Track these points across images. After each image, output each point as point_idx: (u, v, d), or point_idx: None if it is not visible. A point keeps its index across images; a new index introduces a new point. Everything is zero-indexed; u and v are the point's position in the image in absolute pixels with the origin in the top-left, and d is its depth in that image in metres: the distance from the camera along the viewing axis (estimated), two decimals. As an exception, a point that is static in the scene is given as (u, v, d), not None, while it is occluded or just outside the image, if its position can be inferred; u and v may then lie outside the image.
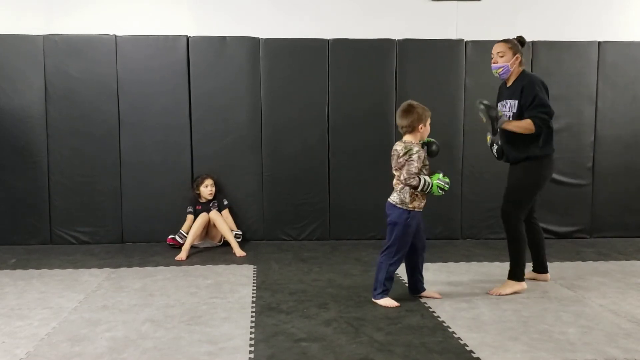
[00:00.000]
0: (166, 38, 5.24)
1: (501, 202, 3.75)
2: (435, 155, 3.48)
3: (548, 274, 3.95)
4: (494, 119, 3.57)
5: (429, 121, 3.40)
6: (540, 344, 2.81)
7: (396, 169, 3.40)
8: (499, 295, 3.61)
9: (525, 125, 3.56)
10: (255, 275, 4.16)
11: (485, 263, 4.50)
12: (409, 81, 5.34)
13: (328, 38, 5.33)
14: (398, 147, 3.38)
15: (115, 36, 5.21)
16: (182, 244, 4.85)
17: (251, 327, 3.06)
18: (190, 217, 5.06)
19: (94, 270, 4.30)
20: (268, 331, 2.99)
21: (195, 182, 5.17)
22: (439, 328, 3.04)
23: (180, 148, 5.29)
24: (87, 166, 5.24)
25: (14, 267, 4.43)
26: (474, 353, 2.70)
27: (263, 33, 5.34)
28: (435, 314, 3.25)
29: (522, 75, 3.70)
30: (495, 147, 3.73)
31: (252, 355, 2.68)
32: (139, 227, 5.29)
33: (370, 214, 5.42)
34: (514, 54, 3.66)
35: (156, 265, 4.45)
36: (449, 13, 5.63)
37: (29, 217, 5.23)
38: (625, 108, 5.51)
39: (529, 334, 2.95)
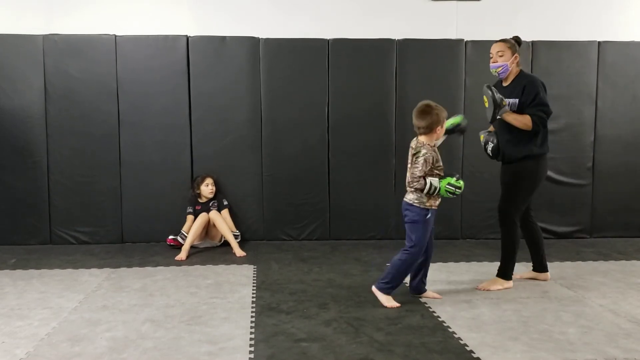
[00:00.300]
0: (166, 38, 5.24)
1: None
2: (464, 132, 3.63)
3: (548, 273, 3.96)
4: (498, 105, 3.56)
5: (445, 121, 3.38)
6: (540, 344, 2.81)
7: (409, 170, 3.38)
8: (487, 290, 3.70)
9: (523, 120, 3.58)
10: (255, 275, 4.15)
11: (485, 263, 4.50)
12: (409, 81, 5.34)
13: (328, 38, 5.33)
14: (412, 144, 3.37)
15: (115, 36, 5.21)
16: (183, 244, 4.85)
17: (251, 327, 3.06)
18: (190, 217, 5.06)
19: (94, 270, 4.29)
20: (268, 331, 2.99)
21: (195, 182, 5.16)
22: (439, 328, 3.04)
23: (180, 148, 5.29)
24: (87, 166, 5.23)
25: (13, 267, 4.43)
26: (474, 353, 2.70)
27: (263, 33, 5.34)
28: (435, 314, 3.25)
29: (522, 74, 3.73)
30: (490, 145, 3.73)
31: (252, 355, 2.68)
32: (138, 227, 5.29)
33: (370, 214, 5.42)
34: (513, 54, 3.69)
35: (156, 265, 4.45)
36: (449, 13, 5.63)
37: (28, 217, 5.22)
38: (625, 108, 5.52)
39: (529, 334, 2.95)
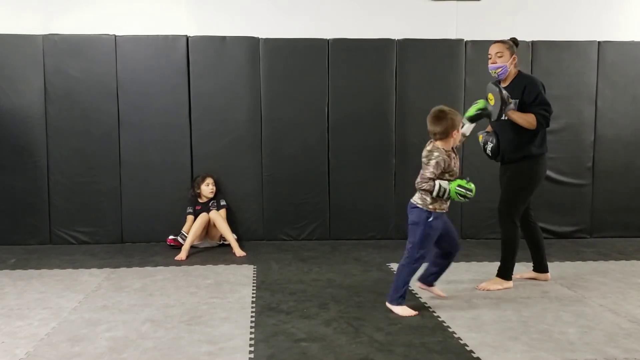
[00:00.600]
0: (166, 38, 5.24)
1: None
2: (490, 115, 3.60)
3: (548, 274, 3.96)
4: (505, 102, 3.56)
5: (460, 125, 3.32)
6: (540, 344, 2.81)
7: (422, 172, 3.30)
8: (487, 290, 3.71)
9: (527, 119, 3.59)
10: (255, 275, 4.15)
11: (486, 263, 4.50)
12: (409, 81, 5.34)
13: (328, 38, 5.33)
14: (427, 147, 3.29)
15: (115, 36, 5.21)
16: (183, 244, 4.84)
17: (251, 327, 3.06)
18: (190, 217, 5.05)
19: (94, 270, 4.29)
20: (268, 331, 2.99)
21: (196, 182, 5.16)
22: (439, 328, 3.03)
23: (180, 148, 5.29)
24: (87, 166, 5.23)
25: (13, 267, 4.43)
26: (474, 353, 2.70)
27: (263, 33, 5.34)
28: (435, 314, 3.25)
29: (520, 75, 3.75)
30: (489, 145, 3.73)
31: (252, 355, 2.68)
32: (138, 227, 5.29)
33: (370, 214, 5.42)
34: (511, 55, 3.70)
35: (156, 265, 4.45)
36: (449, 13, 5.63)
37: (28, 217, 5.22)
38: (625, 108, 5.52)
39: (529, 333, 2.95)
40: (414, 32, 5.45)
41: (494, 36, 5.43)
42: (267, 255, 4.83)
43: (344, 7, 5.56)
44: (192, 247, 4.88)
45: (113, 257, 4.76)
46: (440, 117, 3.22)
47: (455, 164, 3.27)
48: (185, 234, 4.94)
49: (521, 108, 3.63)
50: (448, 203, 3.30)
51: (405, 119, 5.37)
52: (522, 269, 4.17)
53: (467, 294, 3.62)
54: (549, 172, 5.46)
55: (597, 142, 5.52)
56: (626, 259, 4.66)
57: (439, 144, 3.25)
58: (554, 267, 4.32)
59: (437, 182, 3.19)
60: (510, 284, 3.78)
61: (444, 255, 3.41)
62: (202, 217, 4.91)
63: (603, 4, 5.73)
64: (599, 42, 5.46)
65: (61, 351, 2.74)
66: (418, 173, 5.22)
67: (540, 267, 3.95)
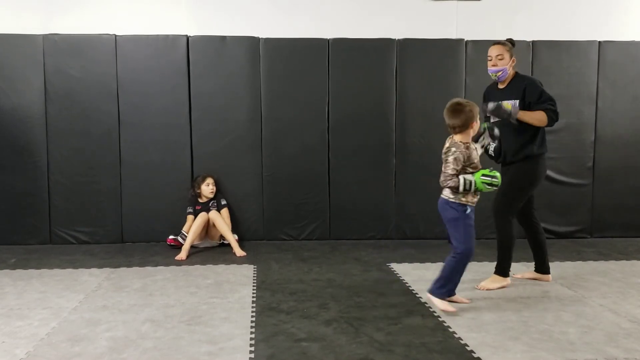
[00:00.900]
0: (166, 38, 5.24)
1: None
2: (498, 138, 3.60)
3: (550, 275, 3.95)
4: (507, 116, 3.60)
5: (478, 116, 3.31)
6: (540, 344, 2.81)
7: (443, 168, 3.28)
8: (487, 289, 3.71)
9: (538, 117, 3.62)
10: (255, 275, 4.15)
11: (486, 263, 4.49)
12: (409, 81, 5.34)
13: (328, 38, 5.33)
14: (447, 143, 3.29)
15: (115, 36, 5.21)
16: (183, 244, 4.84)
17: (251, 327, 3.06)
18: (190, 217, 5.05)
19: (94, 270, 4.29)
20: (268, 331, 2.99)
21: (196, 182, 5.16)
22: (439, 328, 3.03)
23: (180, 148, 5.28)
24: (87, 166, 5.23)
25: (13, 267, 4.43)
26: (475, 353, 2.70)
27: (263, 33, 5.34)
28: (435, 314, 3.25)
29: (518, 76, 3.78)
30: (492, 146, 3.73)
31: (252, 355, 2.68)
32: (138, 226, 5.29)
33: (370, 214, 5.42)
34: (511, 57, 3.73)
35: (156, 265, 4.45)
36: (449, 12, 5.63)
37: (28, 217, 5.22)
38: (625, 107, 5.52)
39: (529, 333, 2.95)
40: (414, 32, 5.45)
41: (494, 36, 5.43)
42: (267, 255, 4.83)
43: (344, 7, 5.56)
44: (192, 247, 4.88)
45: (113, 257, 4.75)
46: (458, 109, 3.22)
47: (477, 156, 3.28)
48: (186, 234, 4.94)
49: (524, 109, 3.65)
50: (478, 196, 3.29)
51: (406, 118, 5.37)
52: (523, 269, 4.17)
53: (467, 294, 3.61)
54: (549, 172, 5.47)
55: (598, 142, 5.52)
56: (626, 259, 4.66)
57: (457, 137, 3.24)
58: (554, 267, 4.31)
59: (461, 176, 3.18)
60: (508, 280, 3.80)
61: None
62: (202, 216, 4.91)
63: (603, 3, 5.73)
64: (599, 42, 5.46)
65: (61, 351, 2.74)
66: (418, 172, 5.22)
67: (543, 268, 3.95)
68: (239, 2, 5.49)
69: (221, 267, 4.38)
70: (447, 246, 4.98)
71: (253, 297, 3.60)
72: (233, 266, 4.42)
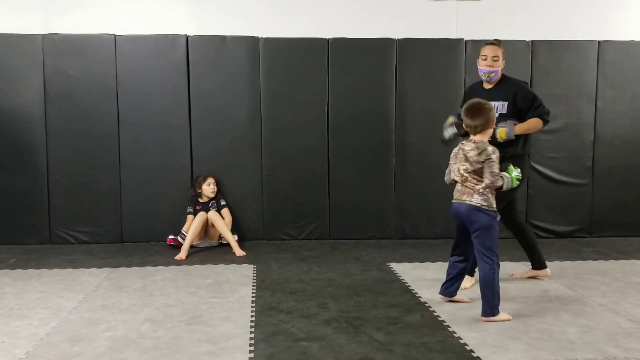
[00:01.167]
0: (165, 37, 5.24)
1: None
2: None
3: (548, 269, 3.98)
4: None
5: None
6: (540, 343, 2.81)
7: (470, 172, 3.15)
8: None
9: (534, 125, 3.68)
10: (255, 274, 4.15)
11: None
12: (409, 80, 5.34)
13: (328, 37, 5.33)
14: (467, 147, 3.17)
15: (115, 35, 5.20)
16: (182, 244, 4.84)
17: (251, 326, 3.06)
18: (190, 217, 5.05)
19: (94, 270, 4.29)
20: (268, 331, 2.99)
21: (197, 181, 5.16)
22: (439, 327, 3.03)
23: (180, 148, 5.28)
24: (87, 166, 5.23)
25: (13, 267, 4.42)
26: (474, 352, 2.70)
27: (263, 32, 5.34)
28: (435, 313, 3.25)
29: (506, 78, 3.80)
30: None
31: (252, 355, 2.68)
32: (138, 226, 5.28)
33: (370, 214, 5.42)
34: (503, 59, 3.75)
35: (156, 265, 4.44)
36: (449, 12, 5.63)
37: (28, 217, 5.22)
38: (624, 107, 5.52)
39: (529, 333, 2.95)
40: (414, 31, 5.44)
41: (494, 36, 5.43)
42: (267, 254, 4.83)
43: (344, 6, 5.56)
44: (191, 246, 4.88)
45: (113, 256, 4.75)
46: (479, 109, 3.18)
47: None
48: (185, 234, 4.94)
49: (514, 113, 3.69)
50: None
51: (405, 118, 5.37)
52: (524, 269, 4.17)
53: (467, 293, 3.61)
54: (549, 172, 5.49)
55: (597, 141, 5.52)
56: (626, 259, 4.66)
57: (478, 137, 3.19)
58: (554, 267, 4.31)
59: (502, 174, 3.15)
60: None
61: (463, 260, 3.36)
62: (201, 216, 4.91)
63: (603, 3, 5.72)
64: (598, 42, 5.46)
65: (61, 351, 2.74)
66: (418, 172, 5.22)
67: (539, 264, 3.96)
68: (238, 2, 5.49)
69: (221, 267, 4.38)
70: (446, 246, 4.98)
71: (253, 296, 3.60)
72: (233, 266, 4.42)
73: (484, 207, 3.14)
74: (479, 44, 5.29)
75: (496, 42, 3.77)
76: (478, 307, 3.36)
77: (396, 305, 3.40)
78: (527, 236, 3.91)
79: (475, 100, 3.26)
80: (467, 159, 3.16)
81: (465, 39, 5.41)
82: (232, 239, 4.90)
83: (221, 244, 5.12)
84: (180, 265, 4.45)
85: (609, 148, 5.51)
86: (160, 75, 5.22)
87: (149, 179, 5.27)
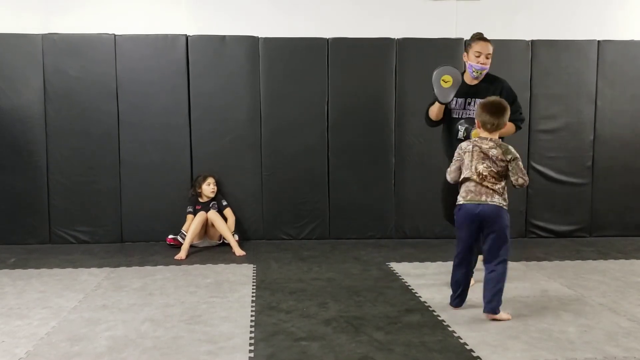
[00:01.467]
0: (165, 37, 5.24)
1: None
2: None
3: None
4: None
5: None
6: (540, 343, 2.81)
7: (490, 171, 3.10)
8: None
9: (509, 130, 3.64)
10: (254, 274, 4.15)
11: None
12: (409, 80, 5.34)
13: (327, 37, 5.33)
14: (486, 145, 3.12)
15: (115, 35, 5.20)
16: (182, 244, 4.84)
17: (251, 326, 3.06)
18: (190, 217, 5.05)
19: (94, 270, 4.29)
20: (268, 330, 2.99)
21: (197, 181, 5.16)
22: (439, 327, 3.03)
23: (180, 147, 5.28)
24: (87, 166, 5.23)
25: (13, 266, 4.42)
26: (474, 352, 2.70)
27: (262, 32, 5.33)
28: (435, 313, 3.25)
29: (489, 76, 3.81)
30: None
31: (252, 355, 2.68)
32: (138, 226, 5.29)
33: (370, 213, 5.42)
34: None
35: (155, 265, 4.45)
36: (449, 12, 5.63)
37: (28, 216, 5.22)
38: (624, 107, 5.52)
39: (528, 332, 2.95)
40: (413, 31, 5.44)
41: (494, 35, 5.43)
42: (267, 254, 4.83)
43: (343, 6, 5.56)
44: (191, 246, 4.88)
45: (113, 256, 4.75)
46: (502, 107, 3.14)
47: None
48: (185, 233, 4.94)
49: None
50: None
51: (405, 118, 5.37)
52: (523, 268, 4.16)
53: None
54: (548, 171, 5.49)
55: (597, 141, 5.52)
56: (625, 258, 4.66)
57: (495, 135, 3.16)
58: (554, 266, 4.32)
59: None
60: None
61: (469, 269, 3.33)
62: (200, 215, 4.91)
63: (603, 3, 5.73)
64: (598, 41, 5.46)
65: (61, 350, 2.74)
66: (417, 172, 5.22)
67: None
68: (238, 1, 5.49)
69: (221, 267, 4.38)
70: (446, 245, 5.00)
71: (253, 296, 3.60)
72: (232, 265, 4.42)
73: (504, 207, 3.12)
74: (478, 43, 5.34)
75: (489, 40, 3.76)
76: (477, 306, 3.36)
77: (396, 305, 3.40)
78: None
79: (495, 98, 3.23)
80: (488, 158, 3.10)
81: (465, 39, 5.39)
82: (232, 239, 4.90)
83: (223, 243, 5.12)
84: (180, 264, 4.45)
85: (608, 148, 5.52)
86: (160, 75, 5.22)
87: (149, 179, 5.27)
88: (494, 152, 3.10)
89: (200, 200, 5.14)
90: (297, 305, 3.42)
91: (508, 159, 3.08)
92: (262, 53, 5.28)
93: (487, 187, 3.11)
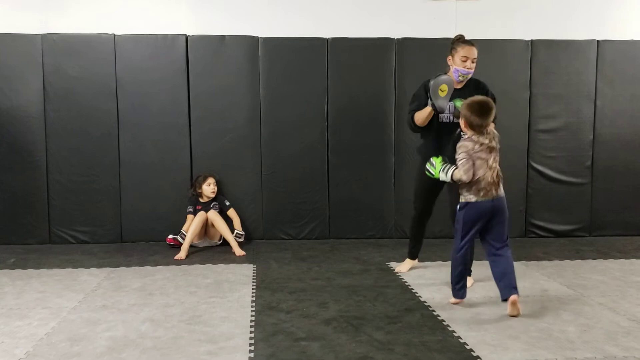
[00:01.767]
0: (165, 37, 5.24)
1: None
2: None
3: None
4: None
5: None
6: (539, 343, 2.81)
7: (497, 161, 3.24)
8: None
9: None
10: (254, 274, 4.15)
11: (485, 262, 4.48)
12: (408, 80, 5.32)
13: (327, 37, 5.33)
14: (486, 140, 3.20)
15: (114, 35, 5.20)
16: (182, 244, 4.84)
17: (251, 326, 3.06)
18: (190, 217, 5.05)
19: (93, 270, 4.29)
20: (268, 330, 2.99)
21: (197, 181, 5.16)
22: (439, 327, 3.04)
23: (179, 147, 5.28)
24: (86, 165, 5.23)
25: (12, 267, 4.42)
26: (474, 352, 2.70)
27: (262, 32, 5.33)
28: (435, 313, 3.25)
29: (473, 79, 3.82)
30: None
31: (252, 355, 2.68)
32: (137, 226, 5.28)
33: (370, 213, 5.42)
34: None
35: (155, 265, 4.44)
36: (448, 12, 5.63)
37: (27, 216, 5.22)
38: (624, 106, 5.52)
39: (528, 332, 2.95)
40: (413, 31, 5.45)
41: (494, 35, 5.46)
42: (267, 254, 4.83)
43: (343, 6, 5.56)
44: (191, 246, 4.88)
45: (112, 256, 4.75)
46: (490, 107, 3.20)
47: None
48: (185, 233, 4.94)
49: None
50: None
51: (405, 118, 5.36)
52: (522, 267, 4.16)
53: (467, 294, 3.61)
54: (548, 171, 5.50)
55: (596, 140, 5.52)
56: (625, 258, 4.66)
57: (492, 126, 3.26)
58: (554, 266, 4.33)
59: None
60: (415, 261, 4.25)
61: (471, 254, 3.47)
62: (200, 215, 4.91)
63: (602, 2, 5.73)
64: (598, 41, 5.46)
65: (61, 351, 2.74)
66: (417, 171, 5.16)
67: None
68: (238, 1, 5.49)
69: (220, 267, 4.38)
70: (446, 245, 5.00)
71: (252, 296, 3.60)
72: (232, 265, 4.42)
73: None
74: (478, 43, 5.31)
75: (473, 42, 3.76)
76: (477, 306, 3.37)
77: (396, 305, 3.40)
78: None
79: (482, 97, 3.27)
80: (494, 149, 3.21)
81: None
82: (232, 239, 4.90)
83: (223, 243, 5.12)
84: (179, 265, 4.45)
85: (608, 147, 5.52)
86: (159, 75, 5.22)
87: (149, 179, 5.27)
88: (494, 143, 3.22)
89: (201, 200, 5.14)
90: (297, 305, 3.42)
91: (499, 146, 3.24)
92: (262, 53, 5.28)
93: (494, 179, 3.20)
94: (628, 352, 2.70)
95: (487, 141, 3.20)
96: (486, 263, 4.44)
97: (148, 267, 4.37)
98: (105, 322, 3.12)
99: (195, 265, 4.44)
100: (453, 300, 3.40)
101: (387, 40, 5.34)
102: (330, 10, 5.54)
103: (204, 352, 2.71)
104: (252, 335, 2.92)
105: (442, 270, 4.21)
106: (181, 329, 3.01)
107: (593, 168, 5.54)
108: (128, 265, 4.43)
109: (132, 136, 5.24)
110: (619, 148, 5.53)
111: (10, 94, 5.15)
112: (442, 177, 3.30)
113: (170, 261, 4.56)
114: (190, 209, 5.10)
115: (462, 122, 3.28)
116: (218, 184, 5.20)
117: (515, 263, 3.80)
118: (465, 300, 3.43)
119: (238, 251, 4.81)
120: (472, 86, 3.78)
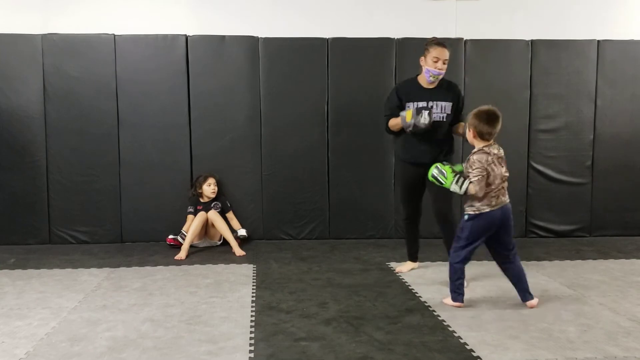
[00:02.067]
0: (165, 37, 5.23)
1: None
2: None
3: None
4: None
5: None
6: (540, 343, 2.81)
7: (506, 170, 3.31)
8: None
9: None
10: (254, 274, 4.15)
11: (485, 262, 4.48)
12: (408, 80, 5.34)
13: (327, 37, 5.33)
14: (495, 150, 3.26)
15: (114, 35, 5.20)
16: (182, 244, 4.84)
17: (251, 326, 3.06)
18: (190, 217, 5.05)
19: (93, 270, 4.29)
20: (268, 330, 2.99)
21: (197, 182, 5.16)
22: (439, 327, 3.03)
23: (179, 147, 5.28)
24: (86, 166, 5.23)
25: (13, 267, 4.42)
26: (474, 352, 2.70)
27: (262, 32, 5.33)
28: (435, 313, 3.25)
29: (444, 79, 3.90)
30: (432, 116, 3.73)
31: (252, 355, 2.68)
32: (138, 226, 5.28)
33: (370, 213, 5.42)
34: None
35: (155, 265, 4.44)
36: (448, 12, 5.63)
37: (27, 216, 5.22)
38: (624, 106, 5.52)
39: (528, 332, 2.95)
40: (413, 31, 5.44)
41: (494, 35, 5.46)
42: (267, 254, 4.83)
43: (343, 6, 5.56)
44: (191, 246, 4.88)
45: (112, 256, 4.75)
46: (498, 115, 3.23)
47: None
48: (185, 233, 4.94)
49: (455, 114, 3.88)
50: None
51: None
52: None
53: (467, 293, 3.60)
54: (548, 171, 5.50)
55: (597, 140, 5.52)
56: (626, 258, 4.66)
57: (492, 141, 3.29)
58: (554, 266, 4.32)
59: None
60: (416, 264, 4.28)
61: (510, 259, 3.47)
62: (201, 215, 4.91)
63: (602, 2, 5.73)
64: (598, 41, 5.46)
65: (61, 351, 2.74)
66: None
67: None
68: (238, 1, 5.49)
69: (221, 267, 4.38)
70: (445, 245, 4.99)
71: (253, 296, 3.60)
72: (232, 265, 4.42)
73: None
74: (478, 43, 5.34)
75: (445, 44, 3.80)
76: (477, 306, 3.37)
77: (396, 305, 3.40)
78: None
79: (489, 108, 3.27)
80: (503, 160, 3.27)
81: (464, 39, 5.41)
82: (232, 239, 4.90)
83: (223, 244, 5.12)
84: (180, 265, 4.45)
85: (608, 147, 5.52)
86: (159, 75, 5.22)
87: (149, 179, 5.27)
88: (502, 152, 3.29)
89: (201, 200, 5.14)
90: (297, 305, 3.42)
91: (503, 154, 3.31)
92: (262, 53, 5.28)
93: (503, 187, 3.27)
94: (628, 352, 2.70)
95: (496, 151, 3.26)
96: (486, 263, 4.45)
97: (148, 267, 4.37)
98: (105, 322, 3.12)
99: (195, 265, 4.44)
100: (452, 303, 3.38)
101: (387, 40, 5.34)
102: (330, 10, 5.54)
103: (204, 352, 2.71)
104: (252, 335, 2.92)
105: (442, 270, 4.21)
106: (181, 329, 3.01)
107: (593, 168, 5.54)
108: (128, 265, 4.43)
109: (132, 136, 5.24)
110: (619, 148, 5.52)
111: (10, 94, 5.15)
112: (454, 188, 3.27)
113: (171, 261, 4.56)
114: (190, 209, 5.10)
115: (470, 133, 3.28)
116: (218, 184, 5.20)
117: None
118: (465, 300, 3.43)
119: (238, 251, 4.81)
120: (444, 86, 3.88)
